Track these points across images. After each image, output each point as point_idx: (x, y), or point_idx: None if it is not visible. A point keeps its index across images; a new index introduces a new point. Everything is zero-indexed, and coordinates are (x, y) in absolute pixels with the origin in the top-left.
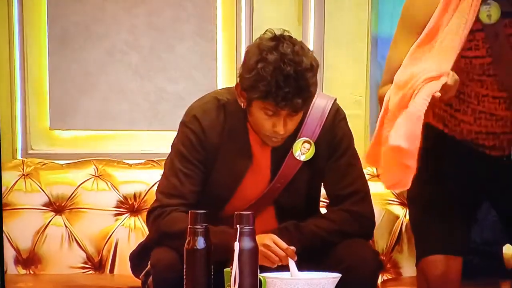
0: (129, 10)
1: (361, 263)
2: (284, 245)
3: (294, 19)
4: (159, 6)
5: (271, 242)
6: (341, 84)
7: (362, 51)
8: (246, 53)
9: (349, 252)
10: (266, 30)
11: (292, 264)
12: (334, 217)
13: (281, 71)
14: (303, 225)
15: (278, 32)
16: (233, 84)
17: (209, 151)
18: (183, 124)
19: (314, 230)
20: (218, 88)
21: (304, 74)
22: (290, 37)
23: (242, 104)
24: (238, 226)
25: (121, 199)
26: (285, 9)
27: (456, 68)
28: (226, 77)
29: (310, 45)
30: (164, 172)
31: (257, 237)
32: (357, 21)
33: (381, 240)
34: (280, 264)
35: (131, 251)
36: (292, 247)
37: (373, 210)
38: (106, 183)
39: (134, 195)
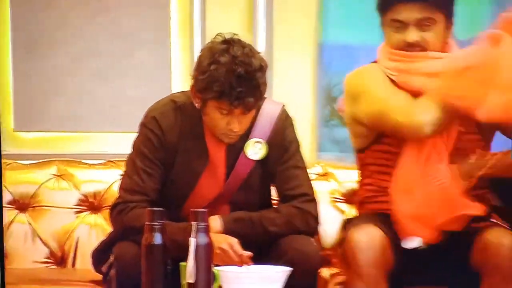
0: (91, 18)
1: (303, 256)
2: (239, 250)
3: (245, 28)
4: (119, 16)
5: (228, 247)
6: (289, 88)
7: (309, 57)
8: (199, 56)
9: (292, 245)
10: (217, 34)
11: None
12: (284, 211)
13: (233, 72)
14: (255, 217)
15: (228, 36)
16: (188, 88)
17: (168, 151)
18: (143, 125)
19: (264, 223)
20: (173, 91)
21: (254, 74)
22: (240, 40)
23: (197, 105)
24: (193, 223)
25: (82, 197)
26: (236, 18)
27: None
28: (181, 81)
29: (261, 50)
30: (126, 170)
31: (214, 238)
32: (304, 29)
33: (328, 235)
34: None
35: (93, 248)
36: (248, 253)
37: (318, 211)
38: (68, 182)
39: (94, 193)
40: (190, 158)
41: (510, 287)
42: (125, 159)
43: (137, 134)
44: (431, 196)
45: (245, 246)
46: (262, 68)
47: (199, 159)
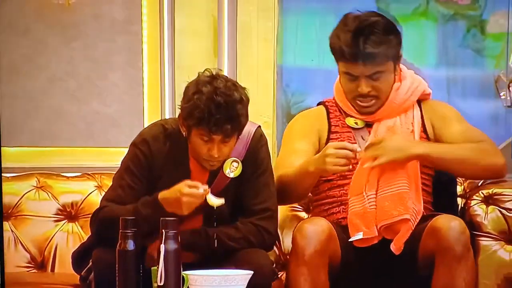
0: (67, 43)
1: (257, 269)
2: (198, 187)
3: (210, 51)
4: (94, 40)
5: (187, 189)
6: (252, 108)
7: (269, 79)
8: (186, 87)
9: (248, 258)
10: (205, 69)
11: (209, 196)
12: (242, 228)
13: (213, 101)
14: (211, 231)
15: (214, 72)
16: (157, 107)
17: (153, 171)
18: (134, 145)
19: (221, 237)
20: (145, 110)
21: (233, 105)
22: (225, 76)
23: (184, 133)
24: (163, 230)
25: (60, 207)
26: (202, 43)
27: None
28: (151, 101)
29: (225, 74)
30: (112, 184)
31: (173, 190)
32: (264, 54)
33: (286, 241)
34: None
35: (73, 250)
36: (205, 186)
37: (277, 227)
38: (47, 193)
39: (72, 204)
40: (173, 181)
41: (460, 265)
42: (100, 172)
43: (127, 152)
44: (385, 199)
45: (204, 259)
46: (243, 100)
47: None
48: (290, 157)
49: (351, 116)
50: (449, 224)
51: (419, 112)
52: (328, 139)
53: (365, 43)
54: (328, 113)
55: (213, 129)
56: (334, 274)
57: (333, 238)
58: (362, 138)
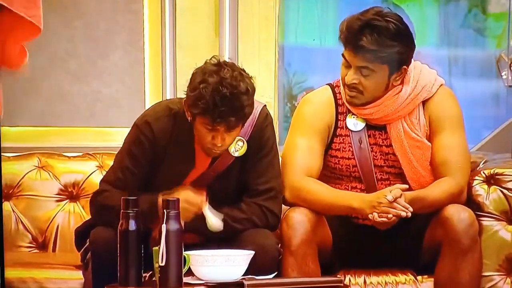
0: (68, 23)
1: (262, 249)
2: (198, 199)
3: (211, 32)
4: (94, 20)
5: (187, 205)
6: None
7: (271, 59)
8: (193, 74)
9: (253, 239)
10: (212, 56)
11: (206, 210)
12: (246, 208)
13: (218, 92)
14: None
15: (221, 60)
16: (158, 87)
17: (157, 153)
18: (136, 126)
19: (225, 219)
20: (146, 90)
21: (239, 97)
22: (233, 64)
23: (189, 118)
24: (165, 210)
25: (62, 187)
26: (203, 23)
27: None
28: (152, 81)
29: (226, 54)
30: (113, 165)
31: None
32: (266, 33)
33: None
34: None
35: (77, 226)
36: (202, 197)
37: (281, 207)
38: (48, 173)
39: (73, 183)
40: (177, 162)
41: (466, 257)
42: (101, 152)
43: (129, 132)
44: None
45: (207, 240)
46: (248, 91)
47: (186, 164)
48: (303, 152)
49: (351, 113)
50: (458, 216)
51: (422, 112)
52: (332, 140)
53: (362, 35)
54: (336, 105)
55: (217, 121)
56: (327, 258)
57: (321, 224)
58: (360, 141)
